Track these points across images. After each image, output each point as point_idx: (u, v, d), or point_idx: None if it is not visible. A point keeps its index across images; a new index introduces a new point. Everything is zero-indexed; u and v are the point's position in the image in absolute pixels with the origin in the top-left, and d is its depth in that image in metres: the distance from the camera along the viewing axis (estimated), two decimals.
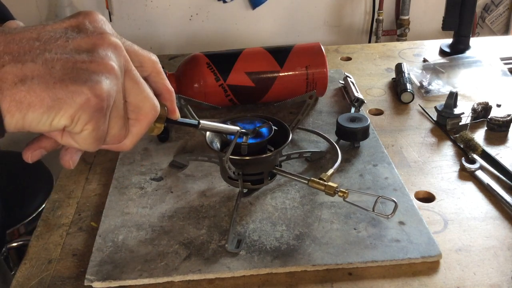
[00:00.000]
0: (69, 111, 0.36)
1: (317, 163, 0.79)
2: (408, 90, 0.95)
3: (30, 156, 0.42)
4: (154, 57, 0.45)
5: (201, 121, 0.53)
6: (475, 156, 0.79)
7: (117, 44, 0.39)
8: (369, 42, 2.06)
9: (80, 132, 0.37)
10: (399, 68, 1.04)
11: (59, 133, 0.39)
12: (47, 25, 0.38)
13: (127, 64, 0.40)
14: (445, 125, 0.87)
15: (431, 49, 1.19)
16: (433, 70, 1.05)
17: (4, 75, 0.34)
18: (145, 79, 0.45)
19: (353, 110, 0.90)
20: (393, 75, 1.05)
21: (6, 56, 0.35)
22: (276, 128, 0.69)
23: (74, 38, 0.38)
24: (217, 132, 0.67)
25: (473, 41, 1.17)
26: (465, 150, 0.80)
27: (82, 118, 0.36)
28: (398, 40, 2.01)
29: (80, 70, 0.36)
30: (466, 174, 0.77)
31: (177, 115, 0.49)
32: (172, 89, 0.47)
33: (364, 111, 0.92)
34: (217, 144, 0.69)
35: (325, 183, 0.64)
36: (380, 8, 1.99)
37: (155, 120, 0.44)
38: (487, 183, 0.74)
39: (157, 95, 0.46)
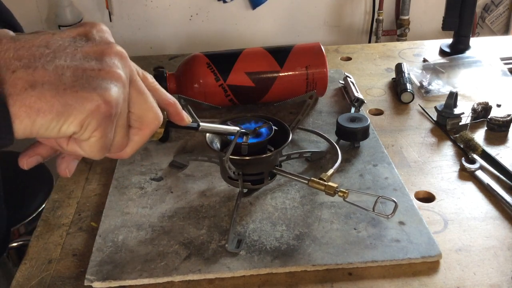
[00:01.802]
0: (79, 117, 0.36)
1: (317, 163, 0.79)
2: (408, 90, 0.95)
3: (26, 162, 0.42)
4: (149, 76, 0.45)
5: (200, 124, 0.53)
6: (475, 156, 0.79)
7: (123, 54, 0.40)
8: (369, 42, 2.06)
9: (88, 139, 0.38)
10: (399, 68, 1.04)
11: (65, 140, 0.39)
12: (55, 34, 0.38)
13: (132, 74, 0.41)
14: (445, 125, 0.87)
15: (431, 49, 1.19)
16: (433, 70, 1.05)
17: (14, 81, 0.34)
18: None
19: (353, 110, 0.90)
20: (393, 75, 1.05)
21: (17, 62, 0.35)
22: (276, 128, 0.69)
23: (82, 47, 0.38)
24: (217, 133, 0.67)
25: (473, 41, 1.17)
26: (465, 150, 0.80)
27: (91, 124, 0.37)
28: (398, 40, 2.01)
29: (90, 77, 0.37)
30: (466, 174, 0.77)
31: (185, 121, 0.49)
32: (175, 100, 0.47)
33: (364, 111, 0.92)
34: (217, 144, 0.69)
35: (325, 183, 0.64)
36: (380, 8, 1.99)
37: None
38: (487, 183, 0.74)
39: (161, 109, 0.46)
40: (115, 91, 0.37)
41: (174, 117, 0.48)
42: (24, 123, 0.35)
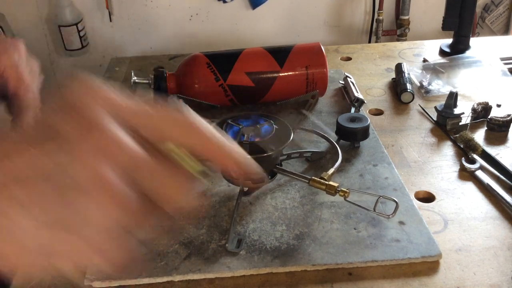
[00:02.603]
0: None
1: (317, 163, 0.79)
2: (408, 90, 0.95)
3: None
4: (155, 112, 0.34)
5: None
6: (475, 156, 0.79)
7: (100, 142, 0.31)
8: (369, 42, 2.05)
9: None
10: (399, 68, 1.04)
11: None
12: (31, 156, 0.30)
13: (118, 163, 0.31)
14: (445, 125, 0.87)
15: (431, 49, 1.19)
16: (433, 70, 1.05)
17: None
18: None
19: (353, 110, 0.90)
20: (393, 75, 1.05)
21: None
22: (277, 127, 0.69)
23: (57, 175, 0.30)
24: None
25: (473, 41, 1.17)
26: (465, 150, 0.80)
27: None
28: (398, 40, 2.00)
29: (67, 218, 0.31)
30: (466, 174, 0.77)
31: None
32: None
33: (364, 111, 0.92)
34: None
35: (326, 182, 0.64)
36: (380, 8, 1.99)
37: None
38: (487, 183, 0.74)
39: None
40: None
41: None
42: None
